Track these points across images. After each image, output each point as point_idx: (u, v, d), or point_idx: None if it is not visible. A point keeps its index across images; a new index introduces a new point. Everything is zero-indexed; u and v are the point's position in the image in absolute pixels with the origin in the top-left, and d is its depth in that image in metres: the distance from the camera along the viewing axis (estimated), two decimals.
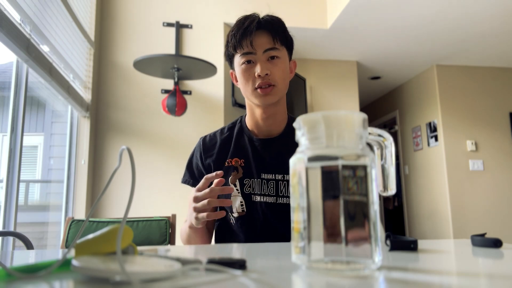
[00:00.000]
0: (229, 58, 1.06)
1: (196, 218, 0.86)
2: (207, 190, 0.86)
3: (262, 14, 1.05)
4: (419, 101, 4.77)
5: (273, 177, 1.03)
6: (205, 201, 0.85)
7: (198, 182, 1.07)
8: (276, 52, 1.00)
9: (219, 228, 1.11)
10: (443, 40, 3.75)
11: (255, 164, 1.05)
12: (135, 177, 0.42)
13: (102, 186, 2.81)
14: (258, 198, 1.02)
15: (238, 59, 1.02)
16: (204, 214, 0.84)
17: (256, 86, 0.99)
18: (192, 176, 1.12)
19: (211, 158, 1.09)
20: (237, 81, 1.07)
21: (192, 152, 1.15)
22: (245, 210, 1.03)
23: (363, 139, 0.48)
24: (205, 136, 1.14)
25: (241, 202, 1.03)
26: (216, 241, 1.12)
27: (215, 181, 0.86)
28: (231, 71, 1.10)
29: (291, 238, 0.49)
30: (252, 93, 1.01)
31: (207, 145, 1.11)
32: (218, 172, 0.86)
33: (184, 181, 1.13)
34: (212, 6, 3.23)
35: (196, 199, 0.87)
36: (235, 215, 1.04)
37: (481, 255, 0.62)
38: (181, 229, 1.08)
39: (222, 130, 1.15)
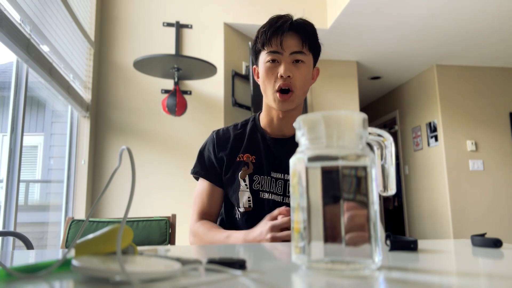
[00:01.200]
0: (255, 54, 1.07)
1: (273, 240, 0.83)
2: (287, 219, 0.84)
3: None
4: (419, 101, 4.77)
5: (282, 177, 1.04)
6: (289, 232, 0.82)
7: (209, 174, 1.09)
8: (302, 57, 1.01)
9: (222, 222, 1.11)
10: (443, 40, 3.75)
11: (266, 162, 1.05)
12: (135, 177, 0.42)
13: (102, 186, 2.81)
14: (266, 195, 1.03)
15: (264, 56, 1.03)
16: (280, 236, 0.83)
17: (276, 87, 1.00)
18: (203, 168, 1.11)
19: (224, 152, 1.09)
20: (258, 77, 1.08)
21: (203, 145, 1.15)
22: (251, 206, 1.03)
23: (363, 139, 0.48)
24: (218, 130, 1.15)
25: (248, 197, 1.03)
26: None
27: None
28: (254, 66, 1.11)
29: (291, 238, 0.49)
30: (272, 94, 1.02)
31: (221, 138, 1.12)
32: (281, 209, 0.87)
33: (195, 172, 1.12)
34: (212, 6, 3.23)
35: (276, 239, 0.84)
36: (241, 210, 1.04)
37: (481, 255, 0.62)
38: (199, 231, 1.03)
39: (235, 125, 1.15)
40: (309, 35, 1.02)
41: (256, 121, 1.13)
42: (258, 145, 1.08)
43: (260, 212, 1.03)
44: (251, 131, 1.11)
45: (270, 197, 1.03)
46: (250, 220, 1.04)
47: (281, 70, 0.99)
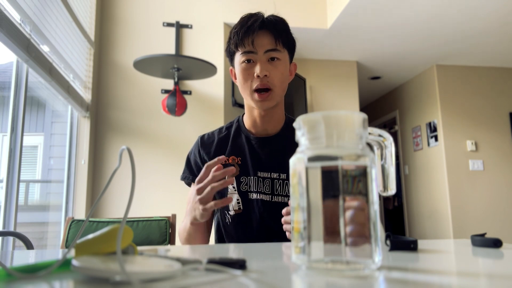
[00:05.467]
0: (230, 55, 1.06)
1: (204, 209, 0.82)
2: (209, 177, 0.82)
3: (266, 13, 1.04)
4: (419, 101, 4.77)
5: (269, 176, 1.04)
6: (208, 188, 0.81)
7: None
8: (277, 54, 1.00)
9: (219, 227, 1.11)
10: (443, 40, 3.75)
11: (252, 162, 1.05)
12: (135, 177, 0.42)
13: (102, 186, 2.81)
14: (254, 196, 1.03)
15: (238, 57, 1.02)
16: (211, 203, 0.81)
17: (254, 88, 0.99)
18: (191, 173, 1.12)
19: (209, 155, 1.09)
20: (236, 78, 1.07)
21: (190, 150, 1.16)
22: (241, 208, 1.03)
23: (363, 139, 0.48)
24: (203, 135, 1.15)
25: (237, 200, 1.03)
26: (216, 240, 1.12)
27: (214, 168, 0.83)
28: (230, 68, 1.10)
29: (289, 237, 0.49)
30: (250, 94, 1.01)
31: (205, 142, 1.12)
32: (220, 157, 0.83)
33: (184, 178, 1.13)
34: (212, 6, 3.23)
35: (200, 190, 0.83)
36: (232, 213, 1.04)
37: (481, 255, 0.62)
38: (180, 228, 1.06)
39: (220, 129, 1.15)
40: (281, 32, 1.00)
41: (240, 122, 1.13)
42: (242, 146, 1.08)
43: (250, 214, 1.03)
44: (235, 133, 1.11)
45: (258, 197, 1.02)
46: (241, 222, 1.03)
47: (257, 70, 0.98)
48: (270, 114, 1.06)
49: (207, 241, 1.07)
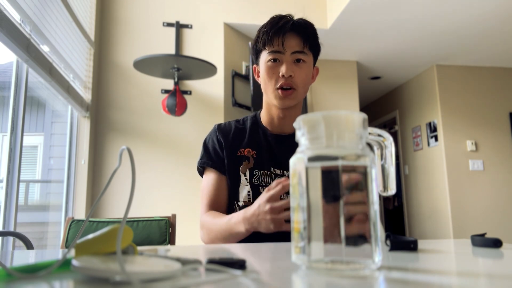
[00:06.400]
0: (256, 53, 1.09)
1: (279, 228, 0.81)
2: (287, 201, 0.80)
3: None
4: (419, 101, 4.77)
5: (282, 173, 1.05)
6: (289, 213, 0.78)
7: (216, 163, 1.08)
8: (303, 56, 1.03)
9: None
10: (443, 40, 3.75)
11: (267, 157, 1.07)
12: (135, 177, 0.42)
13: (102, 186, 2.81)
14: None
15: (265, 56, 1.04)
16: (288, 226, 0.78)
17: (278, 86, 1.02)
18: (210, 158, 1.10)
19: (227, 143, 1.09)
20: (259, 76, 1.09)
21: (207, 137, 1.15)
22: (251, 200, 1.04)
23: (363, 139, 0.48)
24: (220, 123, 1.16)
25: (248, 192, 1.04)
26: None
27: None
28: (254, 65, 1.12)
29: (291, 237, 0.49)
30: (273, 92, 1.03)
31: (223, 129, 1.13)
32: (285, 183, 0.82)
33: (203, 163, 1.11)
34: (212, 6, 3.23)
35: (275, 210, 0.81)
36: (241, 204, 1.05)
37: (481, 255, 0.62)
38: (211, 227, 1.01)
39: (237, 120, 1.17)
40: (309, 35, 1.04)
41: (257, 117, 1.15)
42: (259, 140, 1.09)
43: None
44: (252, 127, 1.13)
45: None
46: None
47: (282, 69, 1.00)
48: (288, 115, 1.08)
49: None
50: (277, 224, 0.81)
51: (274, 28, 1.02)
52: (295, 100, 1.04)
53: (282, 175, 1.05)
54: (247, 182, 1.05)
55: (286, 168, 1.05)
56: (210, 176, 1.10)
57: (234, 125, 1.14)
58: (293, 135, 1.08)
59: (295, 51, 1.02)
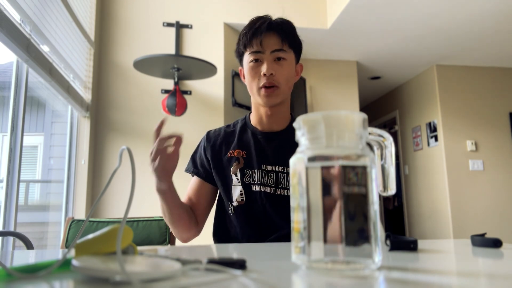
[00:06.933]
0: (239, 56, 1.12)
1: (155, 170, 0.92)
2: (156, 142, 0.93)
3: (266, 14, 1.09)
4: (419, 101, 4.77)
5: (273, 169, 1.06)
6: (154, 148, 0.91)
7: (198, 170, 1.14)
8: (283, 54, 1.05)
9: (218, 218, 1.14)
10: (443, 40, 3.75)
11: (257, 156, 1.08)
12: (135, 177, 0.42)
13: (102, 186, 2.81)
14: (257, 188, 1.05)
15: (247, 57, 1.07)
16: (158, 160, 0.91)
17: (261, 85, 1.04)
18: (194, 166, 1.16)
19: (213, 148, 1.13)
20: (244, 78, 1.12)
21: (198, 144, 1.20)
22: (244, 200, 1.06)
23: (363, 139, 0.48)
24: (210, 130, 1.21)
25: (240, 191, 1.06)
26: (214, 232, 1.14)
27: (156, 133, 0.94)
28: (240, 68, 1.16)
29: (290, 234, 0.49)
30: (257, 91, 1.06)
31: (211, 137, 1.17)
32: (163, 119, 0.95)
33: (187, 170, 1.18)
34: (212, 6, 3.23)
35: (151, 157, 0.93)
36: (235, 204, 1.07)
37: (481, 255, 0.62)
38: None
39: (227, 125, 1.21)
40: (287, 33, 1.06)
41: (246, 119, 1.18)
42: (248, 140, 1.12)
43: (252, 205, 1.05)
44: (242, 129, 1.15)
45: (261, 189, 1.05)
46: (243, 214, 1.06)
47: (263, 68, 1.03)
48: (276, 112, 1.10)
49: (189, 223, 1.08)
50: (160, 171, 0.94)
51: (252, 29, 1.04)
52: (279, 97, 1.06)
53: (274, 171, 1.06)
54: (239, 182, 1.07)
55: (277, 163, 1.06)
56: (194, 181, 1.16)
57: (224, 130, 1.18)
58: (282, 132, 1.11)
59: (275, 50, 1.04)
